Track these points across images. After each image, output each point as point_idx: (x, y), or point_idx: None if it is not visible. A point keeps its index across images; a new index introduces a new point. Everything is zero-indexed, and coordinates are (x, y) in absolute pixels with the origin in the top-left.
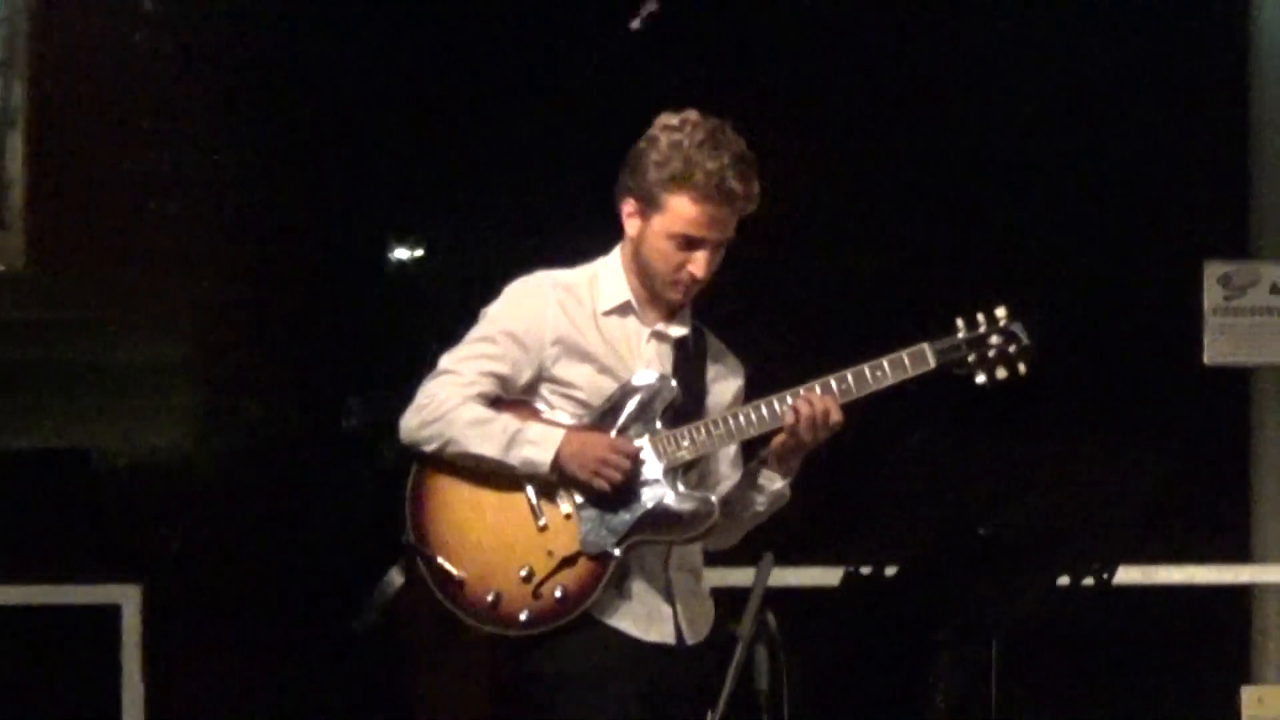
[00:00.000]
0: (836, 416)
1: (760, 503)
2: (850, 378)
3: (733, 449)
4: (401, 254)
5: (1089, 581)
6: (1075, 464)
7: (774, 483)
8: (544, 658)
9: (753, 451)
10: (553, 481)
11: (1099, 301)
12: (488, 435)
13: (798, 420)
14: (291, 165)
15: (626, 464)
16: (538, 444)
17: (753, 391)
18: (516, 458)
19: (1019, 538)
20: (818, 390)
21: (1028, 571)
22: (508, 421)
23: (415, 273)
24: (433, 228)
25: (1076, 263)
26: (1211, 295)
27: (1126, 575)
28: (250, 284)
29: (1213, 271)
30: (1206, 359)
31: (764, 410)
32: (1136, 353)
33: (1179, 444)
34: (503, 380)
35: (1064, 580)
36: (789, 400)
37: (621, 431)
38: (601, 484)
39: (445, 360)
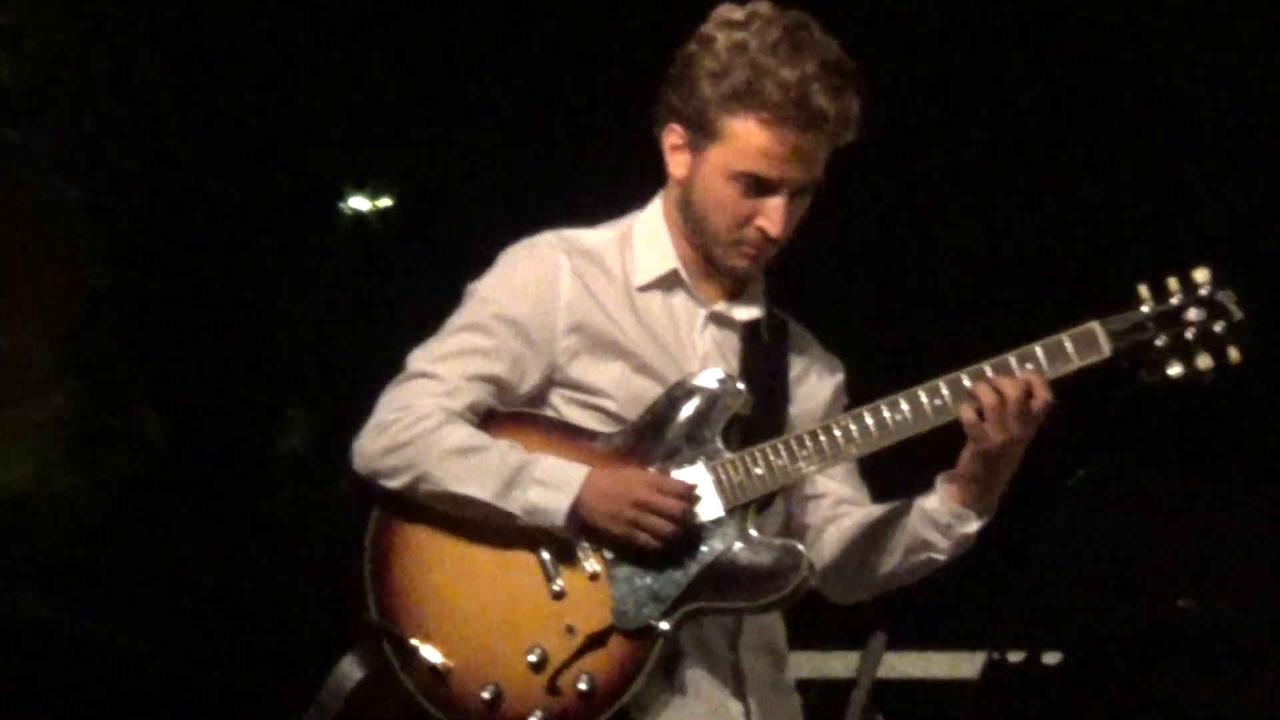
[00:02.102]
0: (1044, 395)
1: (942, 548)
2: (988, 371)
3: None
4: (359, 205)
5: None
6: None
7: (965, 524)
8: None
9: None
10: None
11: None
12: (477, 470)
13: (980, 410)
14: (207, 95)
15: (677, 508)
16: (549, 485)
17: (853, 401)
18: (519, 503)
19: (1239, 614)
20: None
21: (1253, 659)
22: (506, 452)
23: (379, 233)
24: (402, 170)
25: None
26: None
27: None
28: (145, 256)
29: None
30: None
31: (875, 418)
32: None
33: None
34: (499, 385)
35: None
36: (921, 396)
37: (670, 457)
38: (645, 540)
39: (417, 358)
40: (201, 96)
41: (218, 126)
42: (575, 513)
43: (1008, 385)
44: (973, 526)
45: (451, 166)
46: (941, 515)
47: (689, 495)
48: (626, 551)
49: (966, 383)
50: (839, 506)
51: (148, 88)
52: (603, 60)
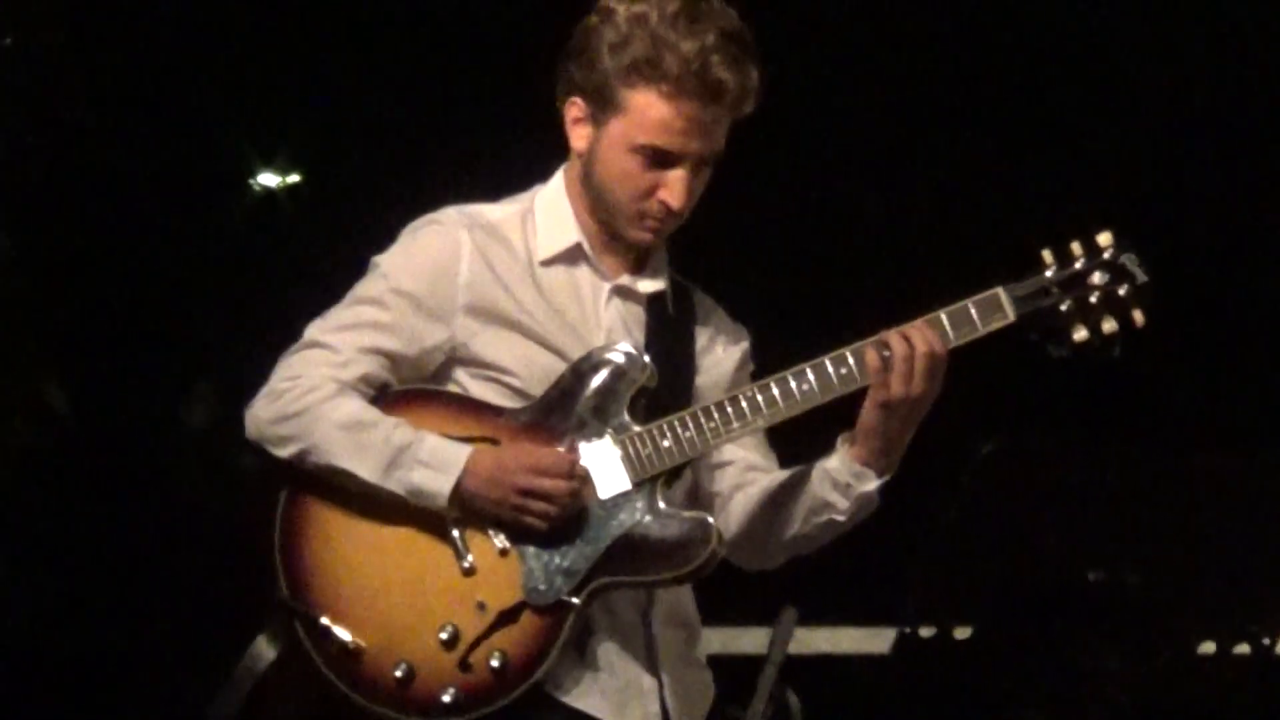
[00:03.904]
0: (939, 348)
1: (842, 509)
2: (893, 342)
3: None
4: (268, 181)
5: (1243, 649)
6: (1227, 485)
7: (865, 482)
8: None
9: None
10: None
11: (1263, 243)
12: (363, 447)
13: (888, 359)
14: (114, 70)
15: (562, 489)
16: (432, 466)
17: (760, 371)
18: (401, 483)
19: (1145, 587)
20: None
21: (1157, 633)
22: (392, 430)
23: (287, 208)
24: (310, 146)
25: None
26: None
27: None
28: (51, 230)
29: None
30: None
31: (781, 388)
32: None
33: None
34: (393, 360)
35: (1208, 646)
36: (828, 366)
37: (577, 431)
38: (532, 522)
39: (314, 329)
40: (108, 70)
41: (126, 102)
42: (458, 495)
43: (918, 337)
44: (871, 484)
45: (359, 142)
46: (841, 474)
47: (575, 474)
48: (517, 533)
49: (870, 351)
50: (747, 474)
51: (52, 60)
52: (506, 34)
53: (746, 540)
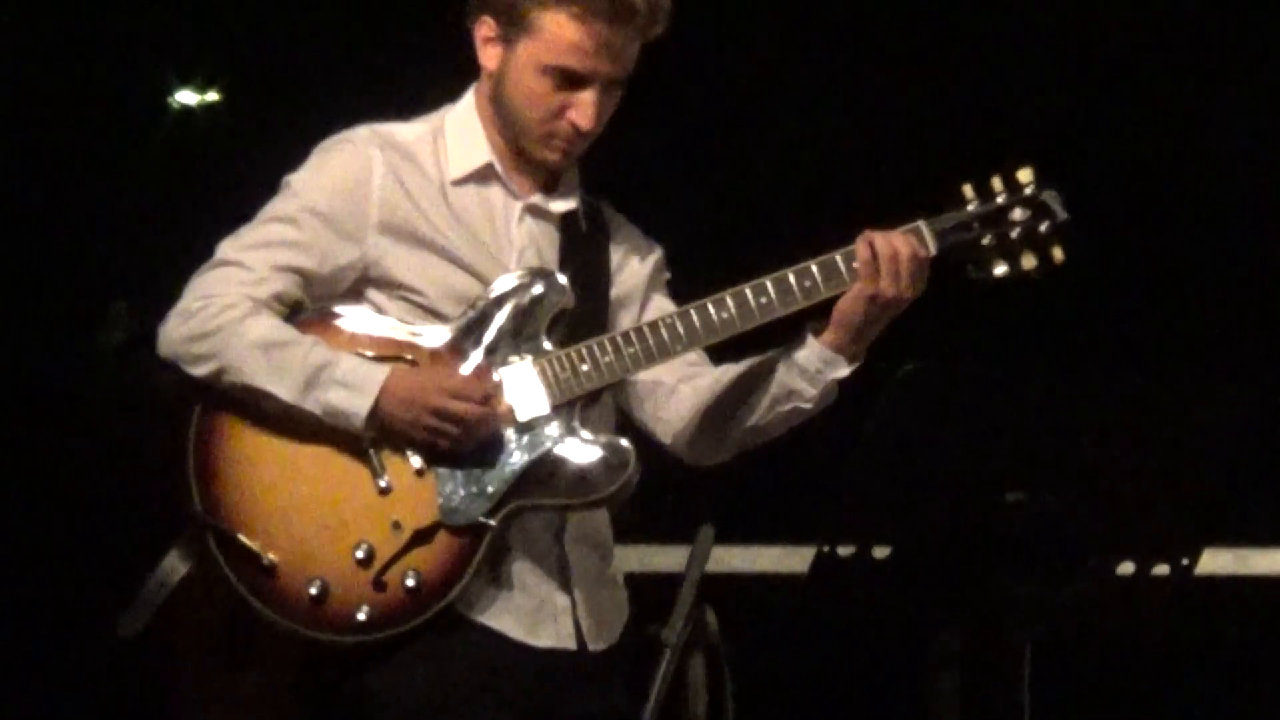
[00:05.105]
0: (923, 253)
1: (809, 396)
2: (815, 270)
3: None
4: (186, 99)
5: (1162, 569)
6: (1145, 408)
7: (835, 368)
8: (391, 674)
9: None
10: None
11: (1176, 176)
12: (280, 366)
13: (875, 262)
14: None
15: (476, 413)
16: (349, 387)
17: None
18: (318, 403)
19: (1063, 508)
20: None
21: (1075, 554)
22: (310, 349)
23: (205, 125)
24: (230, 63)
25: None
26: None
27: (1214, 562)
28: None
29: None
30: None
31: (700, 315)
32: (1234, 251)
33: None
34: (306, 278)
35: (1127, 567)
36: (748, 294)
37: (489, 355)
38: (447, 445)
39: (226, 247)
40: None
41: (41, 19)
42: (375, 416)
43: (901, 242)
44: (842, 371)
45: (277, 61)
46: (811, 361)
47: (491, 397)
48: (434, 455)
49: (792, 279)
50: (692, 367)
51: None
52: None
53: (700, 431)
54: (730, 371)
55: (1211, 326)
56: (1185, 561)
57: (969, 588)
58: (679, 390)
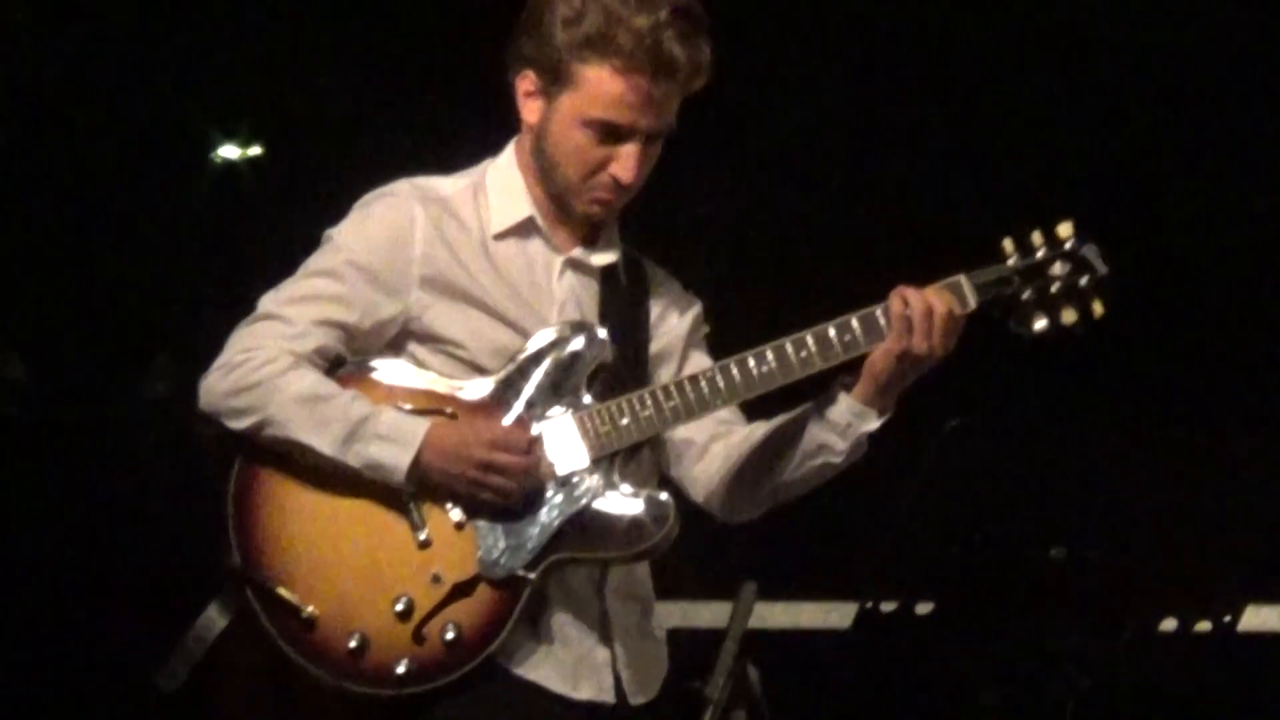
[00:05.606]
0: (959, 309)
1: (839, 450)
2: (856, 324)
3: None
4: (229, 154)
5: (1204, 625)
6: (1188, 464)
7: (866, 421)
8: None
9: None
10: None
11: (1219, 229)
12: (321, 420)
13: (908, 318)
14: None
15: (520, 465)
16: (390, 440)
17: (717, 348)
18: (359, 457)
19: (1107, 564)
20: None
21: (1118, 610)
22: (350, 403)
23: (248, 181)
24: (270, 119)
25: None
26: None
27: (1257, 619)
28: (10, 200)
29: None
30: None
31: (741, 370)
32: None
33: None
34: (348, 332)
35: (1170, 623)
36: (788, 349)
37: (529, 408)
38: (489, 498)
39: (268, 301)
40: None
41: (89, 76)
42: (415, 469)
43: (935, 298)
44: (873, 424)
45: (319, 115)
46: (843, 415)
47: (532, 450)
48: (473, 507)
49: (832, 334)
50: (722, 425)
51: (15, 38)
52: (461, 7)
53: (731, 488)
54: (761, 429)
55: (1256, 382)
56: (1228, 618)
57: (1011, 644)
58: (710, 449)
